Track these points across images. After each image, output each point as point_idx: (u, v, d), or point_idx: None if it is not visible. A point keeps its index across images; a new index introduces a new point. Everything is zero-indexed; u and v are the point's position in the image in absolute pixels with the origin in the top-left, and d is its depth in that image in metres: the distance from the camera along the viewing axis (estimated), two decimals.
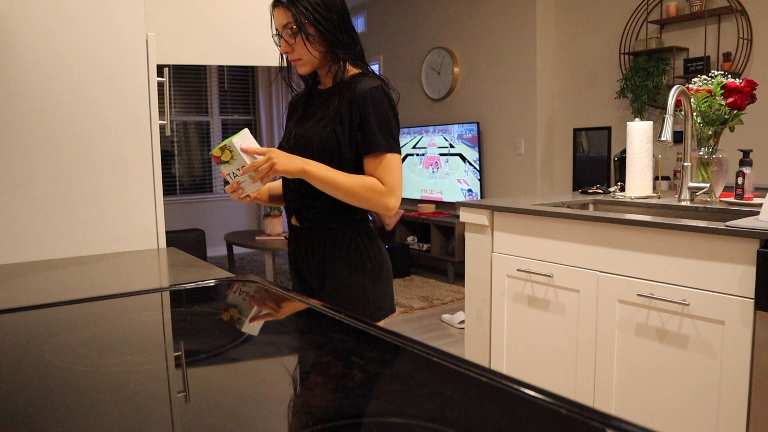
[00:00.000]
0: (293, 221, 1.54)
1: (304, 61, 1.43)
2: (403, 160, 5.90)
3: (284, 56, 1.51)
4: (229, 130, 6.91)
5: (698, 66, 3.78)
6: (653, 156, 2.33)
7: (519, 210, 2.14)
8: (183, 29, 1.79)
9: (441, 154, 5.47)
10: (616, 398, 1.88)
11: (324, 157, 1.42)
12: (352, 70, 1.47)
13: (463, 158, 5.25)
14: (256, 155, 1.36)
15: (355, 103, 1.41)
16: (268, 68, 6.80)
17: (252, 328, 0.96)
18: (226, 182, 1.40)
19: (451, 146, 5.36)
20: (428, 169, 5.64)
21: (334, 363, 0.79)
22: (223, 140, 1.67)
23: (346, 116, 1.41)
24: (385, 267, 1.52)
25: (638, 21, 4.13)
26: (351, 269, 1.46)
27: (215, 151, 1.35)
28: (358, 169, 1.45)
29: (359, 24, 6.56)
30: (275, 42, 1.47)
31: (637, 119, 2.34)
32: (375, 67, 6.36)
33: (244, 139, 1.36)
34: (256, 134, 6.95)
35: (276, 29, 1.44)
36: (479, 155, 5.12)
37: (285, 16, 1.39)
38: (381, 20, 6.30)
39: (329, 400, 0.67)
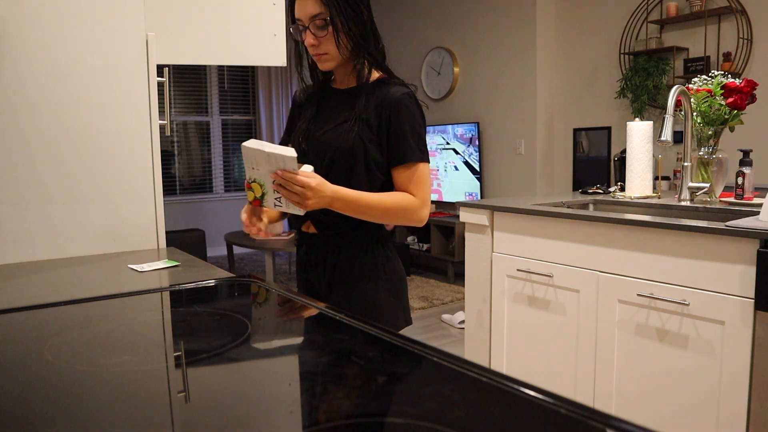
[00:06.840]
0: (305, 228, 1.44)
1: (331, 56, 1.35)
2: None
3: (298, 48, 1.41)
4: (230, 130, 6.91)
5: (698, 66, 3.78)
6: (653, 156, 2.33)
7: (519, 210, 2.14)
8: (183, 29, 1.79)
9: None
10: (616, 398, 1.88)
11: (347, 161, 1.34)
12: (376, 73, 1.40)
13: (463, 158, 5.25)
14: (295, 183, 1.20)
15: (384, 109, 1.34)
16: (268, 68, 6.80)
17: (252, 328, 0.96)
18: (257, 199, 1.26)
19: (452, 147, 5.36)
20: None
21: (334, 363, 0.79)
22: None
23: (374, 121, 1.34)
24: (401, 277, 1.44)
25: (638, 21, 4.13)
26: (364, 280, 1.39)
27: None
28: (386, 174, 1.37)
29: None
30: (291, 33, 1.39)
31: (637, 119, 2.34)
32: None
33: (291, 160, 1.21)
34: (256, 134, 6.94)
35: (297, 19, 1.34)
36: (479, 155, 5.12)
37: (315, 7, 1.30)
38: (381, 20, 6.29)
39: (329, 400, 0.67)
